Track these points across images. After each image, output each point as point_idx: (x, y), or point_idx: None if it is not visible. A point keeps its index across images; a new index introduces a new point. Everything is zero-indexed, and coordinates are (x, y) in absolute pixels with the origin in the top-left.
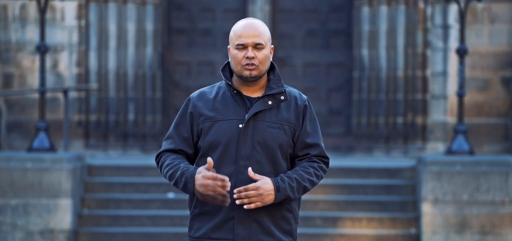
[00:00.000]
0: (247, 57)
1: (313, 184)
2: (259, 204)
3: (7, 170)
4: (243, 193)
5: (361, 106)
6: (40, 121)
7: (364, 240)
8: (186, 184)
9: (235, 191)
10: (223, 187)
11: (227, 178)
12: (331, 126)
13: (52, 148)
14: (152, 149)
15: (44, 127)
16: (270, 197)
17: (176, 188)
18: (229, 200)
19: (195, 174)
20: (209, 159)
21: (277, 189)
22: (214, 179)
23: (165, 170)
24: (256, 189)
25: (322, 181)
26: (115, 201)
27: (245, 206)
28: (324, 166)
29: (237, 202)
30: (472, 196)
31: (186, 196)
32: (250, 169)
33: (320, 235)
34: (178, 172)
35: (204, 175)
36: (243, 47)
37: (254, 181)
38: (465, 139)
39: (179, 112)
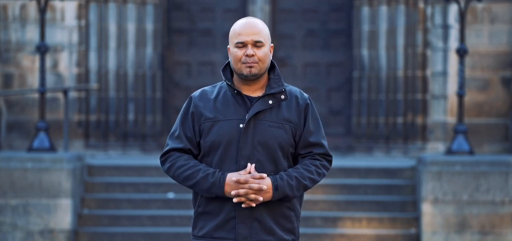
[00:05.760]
0: (247, 55)
1: (314, 182)
2: (257, 200)
3: (7, 170)
4: (242, 191)
5: (361, 106)
6: (40, 121)
7: (364, 240)
8: (212, 186)
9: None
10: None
11: (265, 175)
12: (331, 126)
13: (52, 148)
14: (152, 149)
15: (44, 127)
16: (268, 195)
17: (188, 188)
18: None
19: (225, 178)
20: (250, 166)
21: (275, 187)
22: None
23: (180, 171)
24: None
25: (322, 181)
26: (115, 201)
27: (243, 205)
28: (326, 164)
29: (235, 200)
30: (472, 196)
31: (187, 196)
32: (250, 165)
33: (320, 235)
34: (200, 174)
35: (238, 180)
36: (242, 45)
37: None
38: (465, 139)
39: (181, 111)
